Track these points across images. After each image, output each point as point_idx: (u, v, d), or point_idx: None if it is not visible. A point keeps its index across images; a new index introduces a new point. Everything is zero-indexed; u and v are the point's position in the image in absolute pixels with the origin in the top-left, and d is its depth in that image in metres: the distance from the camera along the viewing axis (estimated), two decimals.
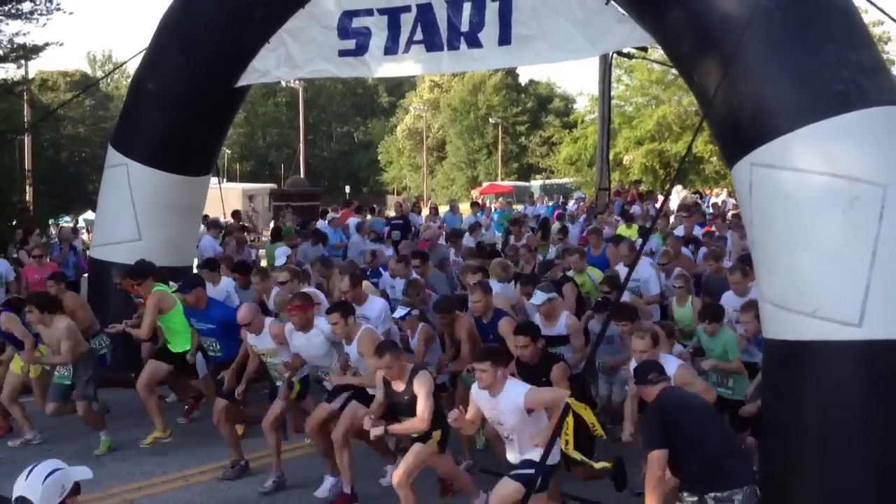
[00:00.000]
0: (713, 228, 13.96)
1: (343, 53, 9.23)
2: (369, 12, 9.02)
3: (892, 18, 7.17)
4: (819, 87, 5.60)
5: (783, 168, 5.59)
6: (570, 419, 5.05)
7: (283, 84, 49.46)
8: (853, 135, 5.47)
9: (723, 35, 5.92)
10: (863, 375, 5.24)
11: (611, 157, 25.26)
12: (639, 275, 8.79)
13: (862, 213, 5.29)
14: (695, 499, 4.79)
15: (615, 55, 21.49)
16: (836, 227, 5.35)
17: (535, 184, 50.17)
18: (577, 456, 5.23)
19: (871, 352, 5.18)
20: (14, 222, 16.96)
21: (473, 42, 8.56)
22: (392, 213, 20.26)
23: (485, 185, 52.95)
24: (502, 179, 57.24)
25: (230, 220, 16.63)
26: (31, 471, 3.29)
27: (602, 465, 5.40)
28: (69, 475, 3.34)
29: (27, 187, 22.16)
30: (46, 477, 3.25)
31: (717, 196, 29.31)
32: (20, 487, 3.25)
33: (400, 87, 77.20)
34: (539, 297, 7.11)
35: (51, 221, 20.70)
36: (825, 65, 5.63)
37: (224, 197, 14.58)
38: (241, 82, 9.78)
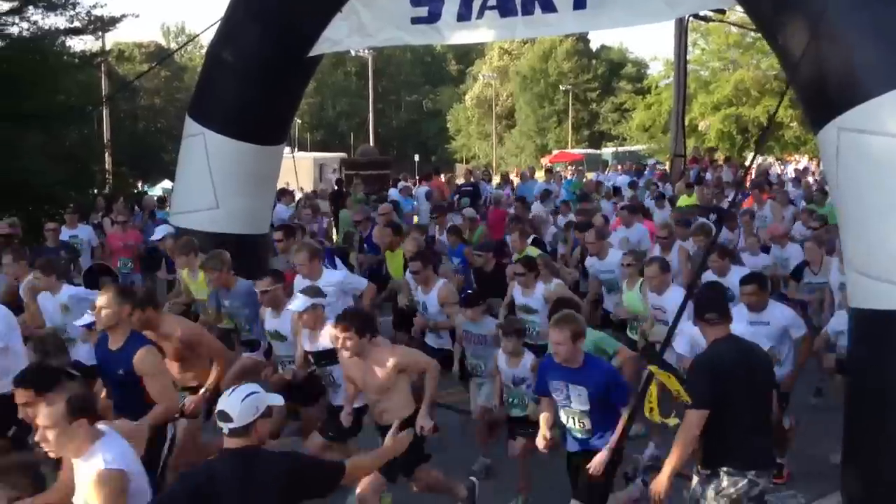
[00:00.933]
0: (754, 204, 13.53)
1: (415, 21, 9.18)
2: None
3: None
4: None
5: (872, 132, 5.40)
6: (653, 387, 4.97)
7: (353, 53, 49.70)
8: None
9: None
10: None
11: (686, 123, 24.71)
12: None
13: None
14: (708, 472, 4.68)
15: (691, 18, 21.00)
16: None
17: (607, 151, 49.41)
18: (660, 419, 5.15)
19: None
20: (96, 191, 17.47)
21: (548, 7, 8.41)
22: (461, 181, 20.21)
23: (555, 153, 52.42)
24: (572, 147, 56.59)
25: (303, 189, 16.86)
26: (233, 391, 3.81)
27: (673, 420, 5.27)
28: (264, 399, 3.82)
29: (107, 157, 22.76)
30: (245, 397, 3.74)
31: (797, 162, 28.52)
32: (222, 403, 3.77)
33: (468, 55, 76.71)
34: None
35: (135, 191, 21.27)
36: None
37: (297, 166, 14.74)
38: (314, 52, 9.82)
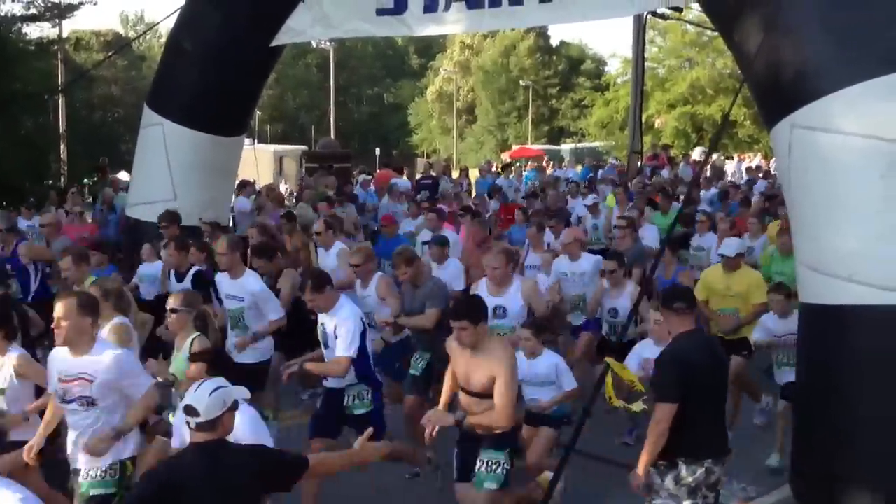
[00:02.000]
0: None
1: (381, 12, 9.17)
2: None
3: None
4: (863, 46, 5.50)
5: (824, 130, 5.52)
6: (609, 378, 5.09)
7: (314, 45, 49.39)
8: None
9: None
10: None
11: (643, 120, 25.00)
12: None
13: None
14: (666, 463, 4.78)
15: (649, 16, 21.24)
16: (875, 190, 5.29)
17: (566, 147, 49.75)
18: (620, 404, 5.29)
19: None
20: (50, 182, 17.19)
21: None
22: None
23: (515, 148, 52.64)
24: (532, 143, 56.87)
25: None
26: (200, 385, 3.81)
27: (638, 405, 5.41)
28: (230, 393, 3.83)
29: (62, 147, 22.36)
30: (213, 392, 3.75)
31: (750, 160, 28.95)
32: (189, 397, 3.77)
33: (430, 49, 76.58)
34: None
35: (86, 181, 20.93)
36: (869, 23, 5.52)
37: (257, 158, 14.65)
38: (276, 42, 9.78)
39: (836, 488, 5.47)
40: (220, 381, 3.88)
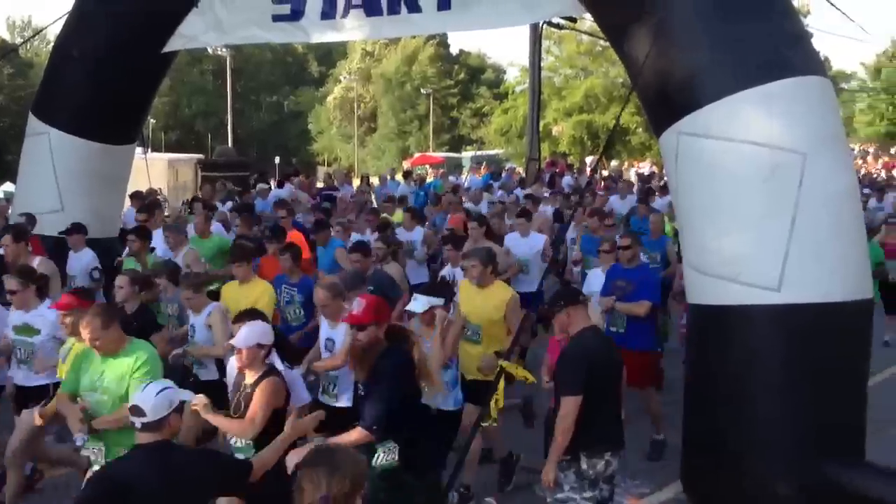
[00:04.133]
0: None
1: (277, 18, 9.05)
2: None
3: None
4: (744, 56, 5.74)
5: (708, 137, 5.73)
6: (501, 382, 5.17)
7: (210, 51, 48.41)
8: (775, 104, 5.62)
9: (652, 4, 6.01)
10: (781, 338, 5.44)
11: (540, 128, 25.47)
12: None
13: (782, 181, 5.46)
14: (568, 457, 4.91)
15: (545, 25, 21.68)
16: (758, 194, 5.52)
17: (466, 155, 50.20)
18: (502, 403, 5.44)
19: (790, 315, 5.38)
20: None
21: (413, 7, 8.50)
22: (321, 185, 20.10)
23: (416, 156, 52.81)
24: (434, 151, 57.19)
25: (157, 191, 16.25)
26: (146, 386, 3.87)
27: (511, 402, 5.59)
28: (177, 394, 3.88)
29: None
30: (159, 392, 3.79)
31: (640, 167, 29.85)
32: (135, 398, 3.81)
33: (330, 56, 76.19)
34: None
35: None
36: (750, 34, 5.76)
37: (150, 167, 14.24)
38: (168, 48, 9.54)
39: (726, 484, 5.67)
40: (167, 382, 3.94)
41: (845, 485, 5.23)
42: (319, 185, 20.29)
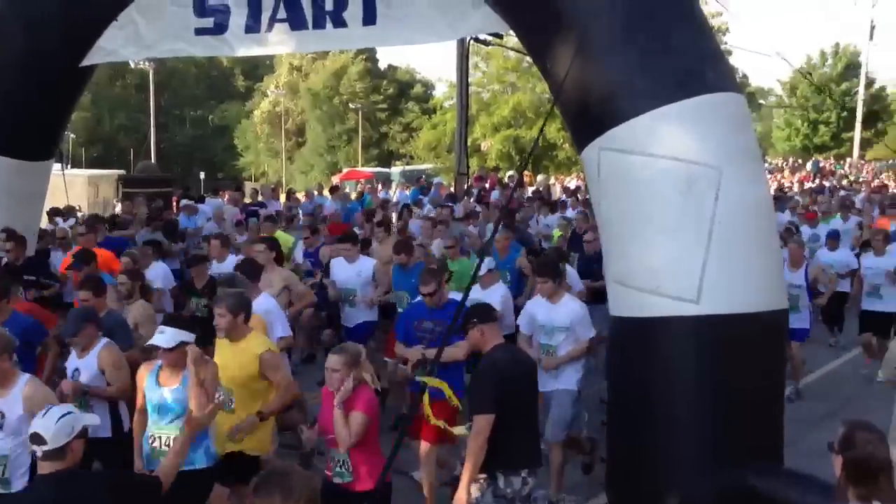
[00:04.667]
0: None
1: (200, 32, 8.91)
2: None
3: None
4: (662, 73, 5.86)
5: (628, 152, 5.83)
6: (426, 398, 5.15)
7: (133, 65, 47.42)
8: (693, 120, 5.75)
9: (573, 20, 6.10)
10: (700, 349, 5.55)
11: (469, 143, 25.65)
12: None
13: (699, 194, 5.59)
14: (485, 476, 4.92)
15: (472, 42, 21.86)
16: (676, 208, 5.64)
17: (395, 170, 50.24)
18: (442, 424, 5.37)
19: (708, 326, 5.50)
20: None
21: (339, 21, 8.49)
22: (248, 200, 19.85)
23: (345, 171, 52.61)
24: (363, 166, 57.06)
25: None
26: (46, 412, 3.69)
27: (460, 430, 5.46)
28: (79, 419, 3.74)
29: None
30: (59, 418, 3.63)
31: (569, 182, 30.27)
32: (35, 424, 3.65)
33: (257, 71, 75.43)
34: None
35: None
36: (668, 51, 5.89)
37: (68, 184, 13.87)
38: (87, 62, 9.29)
39: (648, 494, 5.73)
40: (68, 407, 3.83)
41: (763, 492, 5.35)
42: (247, 200, 20.04)
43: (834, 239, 12.70)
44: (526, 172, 36.18)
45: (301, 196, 22.48)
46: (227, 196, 18.07)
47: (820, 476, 4.58)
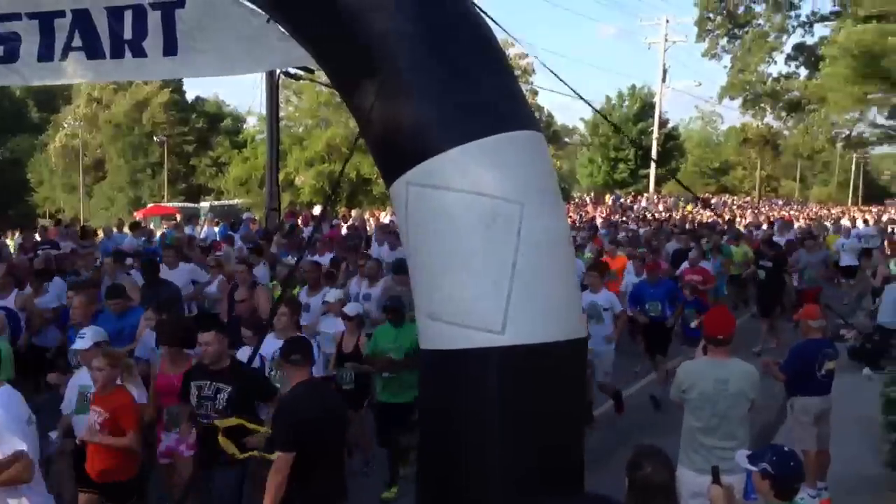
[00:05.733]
0: None
1: None
2: (16, 16, 8.25)
3: (538, 58, 7.93)
4: (466, 110, 5.99)
5: (435, 187, 5.92)
6: (221, 438, 5.04)
7: None
8: (495, 156, 5.92)
9: (378, 56, 6.14)
10: (505, 379, 5.67)
11: (281, 177, 25.34)
12: None
13: (503, 228, 5.75)
14: None
15: (283, 75, 21.67)
16: (481, 241, 5.77)
17: (204, 205, 48.79)
18: (255, 453, 5.28)
19: (513, 356, 5.63)
20: None
21: (138, 51, 8.19)
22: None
23: (149, 206, 50.49)
24: (169, 201, 54.99)
25: None
26: None
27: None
28: None
29: None
30: None
31: (385, 217, 30.48)
32: None
33: (53, 101, 71.27)
34: None
35: None
36: (471, 90, 6.05)
37: None
38: None
39: None
40: None
41: None
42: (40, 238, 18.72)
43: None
44: (342, 207, 36.21)
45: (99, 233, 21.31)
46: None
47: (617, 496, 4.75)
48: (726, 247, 20.51)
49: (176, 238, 18.76)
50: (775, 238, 21.91)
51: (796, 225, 34.63)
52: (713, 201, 59.46)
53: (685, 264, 15.96)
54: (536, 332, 5.68)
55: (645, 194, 56.20)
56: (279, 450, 4.71)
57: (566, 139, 74.39)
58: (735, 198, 73.69)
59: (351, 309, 9.33)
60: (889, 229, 32.84)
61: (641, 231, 25.39)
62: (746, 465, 4.84)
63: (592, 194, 56.90)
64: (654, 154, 55.16)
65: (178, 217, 26.28)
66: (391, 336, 8.88)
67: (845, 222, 36.56)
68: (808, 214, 50.93)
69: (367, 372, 8.93)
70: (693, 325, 11.93)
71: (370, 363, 8.73)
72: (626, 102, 67.09)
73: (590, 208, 46.52)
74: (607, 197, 55.23)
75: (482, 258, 5.76)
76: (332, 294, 10.27)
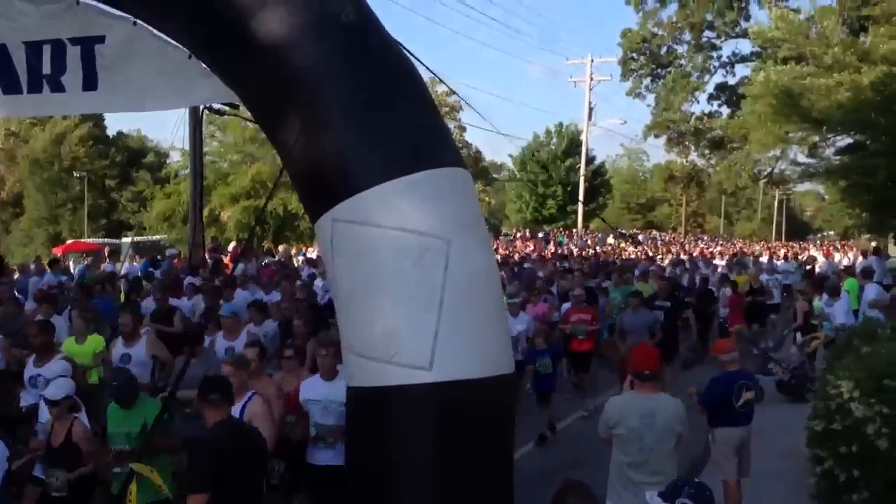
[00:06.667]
0: None
1: None
2: None
3: (460, 95, 8.00)
4: (390, 147, 6.01)
5: (361, 223, 5.90)
6: (133, 486, 4.92)
7: None
8: (421, 193, 5.93)
9: (300, 92, 6.13)
10: (433, 416, 5.66)
11: (206, 213, 24.97)
12: None
13: (430, 264, 5.75)
14: None
15: (206, 111, 21.47)
16: (408, 278, 5.75)
17: (126, 241, 47.65)
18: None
19: (440, 393, 5.61)
20: None
21: (57, 86, 8.01)
22: None
23: (69, 242, 49.09)
24: (89, 236, 53.58)
25: None
26: None
27: None
28: None
29: None
30: None
31: (312, 252, 30.25)
32: None
33: None
34: None
35: None
36: (395, 126, 6.07)
37: None
38: None
39: None
40: None
41: None
42: None
43: None
44: (268, 243, 35.81)
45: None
46: None
47: None
48: (623, 288, 18.78)
49: (94, 276, 18.26)
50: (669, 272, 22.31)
51: (717, 261, 35.52)
52: (640, 237, 60.69)
53: (567, 304, 16.02)
54: (464, 368, 5.67)
55: (574, 230, 56.92)
56: (193, 491, 4.61)
57: (494, 175, 75.14)
58: (662, 234, 75.45)
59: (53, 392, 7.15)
60: (808, 266, 33.92)
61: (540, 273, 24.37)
62: None
63: (527, 231, 57.26)
64: (581, 190, 56.09)
65: (106, 252, 25.46)
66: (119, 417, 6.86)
67: (764, 259, 37.66)
68: (730, 250, 52.34)
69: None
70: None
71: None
72: (554, 140, 68.09)
73: (518, 244, 46.97)
74: (539, 234, 55.80)
75: (409, 295, 5.75)
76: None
